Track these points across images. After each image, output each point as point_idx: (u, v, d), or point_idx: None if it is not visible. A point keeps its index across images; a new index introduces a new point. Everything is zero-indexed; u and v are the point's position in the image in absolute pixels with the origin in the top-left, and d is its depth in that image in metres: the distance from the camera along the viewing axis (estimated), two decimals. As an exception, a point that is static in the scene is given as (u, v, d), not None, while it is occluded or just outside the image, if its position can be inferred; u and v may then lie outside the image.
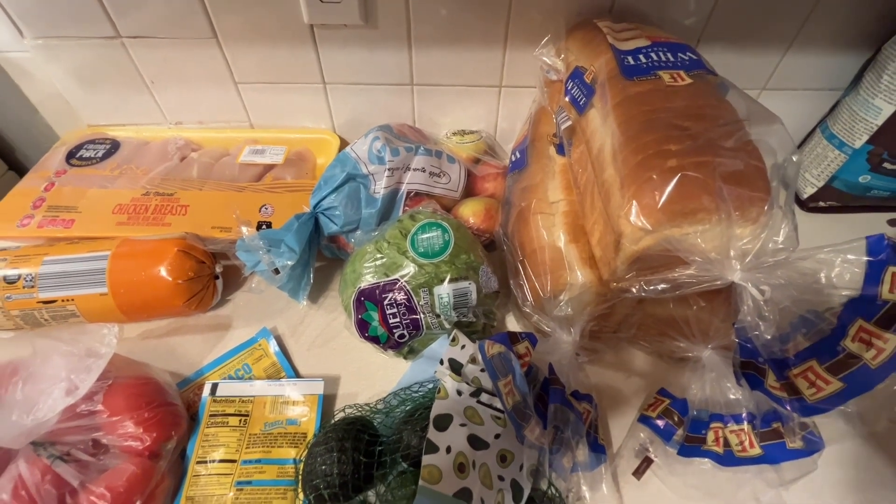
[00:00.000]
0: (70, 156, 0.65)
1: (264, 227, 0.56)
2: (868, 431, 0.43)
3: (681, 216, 0.35)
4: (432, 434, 0.35)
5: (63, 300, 0.49)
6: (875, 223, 0.66)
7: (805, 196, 0.67)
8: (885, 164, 0.60)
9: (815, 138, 0.66)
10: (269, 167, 0.64)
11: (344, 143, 0.70)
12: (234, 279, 0.58)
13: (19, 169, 0.76)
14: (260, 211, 0.58)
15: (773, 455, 0.39)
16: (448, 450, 0.34)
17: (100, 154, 0.65)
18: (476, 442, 0.36)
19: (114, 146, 0.66)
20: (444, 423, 0.36)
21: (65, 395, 0.39)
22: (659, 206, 0.35)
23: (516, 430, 0.37)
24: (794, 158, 0.37)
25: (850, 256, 0.31)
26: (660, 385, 0.49)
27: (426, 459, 0.33)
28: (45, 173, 0.62)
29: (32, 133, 0.74)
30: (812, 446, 0.39)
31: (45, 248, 0.51)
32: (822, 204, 0.67)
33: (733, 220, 0.35)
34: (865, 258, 0.31)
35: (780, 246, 0.36)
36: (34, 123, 0.72)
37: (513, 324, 0.55)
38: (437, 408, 0.37)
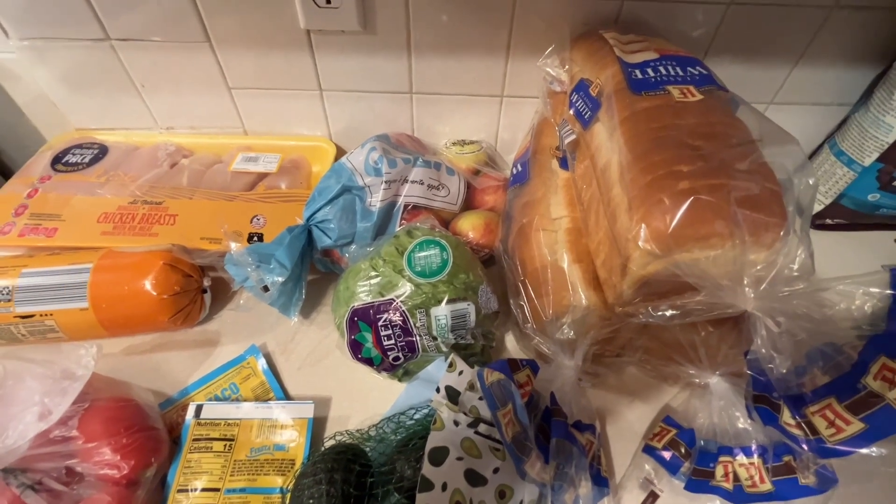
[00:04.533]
0: (56, 161, 0.62)
1: (255, 238, 0.54)
2: (884, 470, 0.41)
3: (692, 241, 0.33)
4: (427, 470, 0.33)
5: (41, 315, 0.46)
6: (883, 242, 0.65)
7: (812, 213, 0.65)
8: (895, 183, 0.58)
9: (823, 154, 0.64)
10: (262, 175, 0.62)
11: (340, 152, 0.68)
12: (222, 292, 0.56)
13: (5, 173, 0.74)
14: (251, 222, 0.56)
15: (785, 492, 0.37)
16: (444, 487, 0.32)
17: (87, 159, 0.63)
18: (474, 477, 0.34)
19: (102, 151, 0.64)
20: (439, 456, 0.34)
21: (37, 419, 0.36)
22: (669, 230, 0.33)
23: (516, 465, 0.35)
24: (811, 182, 0.35)
25: (872, 289, 0.30)
26: (665, 410, 0.48)
27: (420, 499, 0.31)
28: (28, 179, 0.60)
29: (19, 136, 0.72)
30: (825, 483, 0.37)
31: (24, 259, 0.49)
32: (829, 221, 0.65)
33: (747, 245, 0.33)
34: (889, 291, 0.29)
35: (796, 273, 0.34)
36: (20, 126, 0.70)
37: (512, 344, 0.53)
38: (433, 440, 0.35)
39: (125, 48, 0.59)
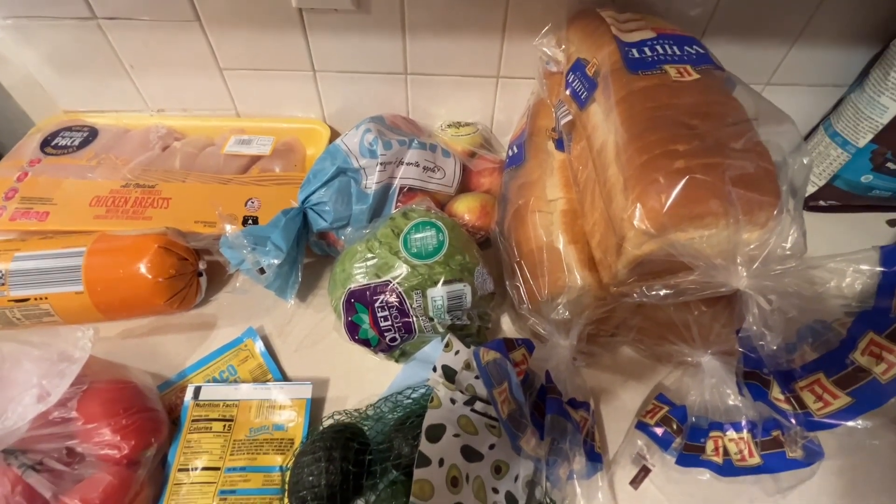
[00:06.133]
0: (45, 144, 0.61)
1: (250, 221, 0.54)
2: (869, 443, 0.42)
3: (687, 220, 0.33)
4: (424, 446, 0.33)
5: (36, 298, 0.46)
6: (875, 223, 0.65)
7: (806, 194, 0.66)
8: (889, 164, 0.58)
9: (818, 136, 0.64)
10: (255, 158, 0.61)
11: (335, 134, 0.67)
12: (218, 276, 0.56)
13: (-7, 156, 0.73)
14: (246, 205, 0.55)
15: (773, 465, 0.38)
16: (441, 462, 0.33)
17: (77, 142, 0.62)
18: (470, 453, 0.35)
19: (92, 134, 0.63)
20: (436, 433, 0.34)
21: (36, 401, 0.37)
22: (664, 209, 0.33)
23: (511, 441, 0.35)
24: (805, 161, 0.36)
25: (862, 266, 0.30)
26: (657, 388, 0.48)
27: (418, 473, 0.32)
28: (18, 162, 0.59)
29: (6, 119, 0.70)
30: (812, 456, 0.38)
31: (16, 242, 0.49)
32: (822, 203, 0.66)
33: (741, 224, 0.33)
34: (879, 269, 0.29)
35: (788, 252, 0.34)
36: (8, 109, 0.69)
37: (508, 325, 0.54)
38: (430, 417, 0.35)
39: (113, 27, 0.57)
